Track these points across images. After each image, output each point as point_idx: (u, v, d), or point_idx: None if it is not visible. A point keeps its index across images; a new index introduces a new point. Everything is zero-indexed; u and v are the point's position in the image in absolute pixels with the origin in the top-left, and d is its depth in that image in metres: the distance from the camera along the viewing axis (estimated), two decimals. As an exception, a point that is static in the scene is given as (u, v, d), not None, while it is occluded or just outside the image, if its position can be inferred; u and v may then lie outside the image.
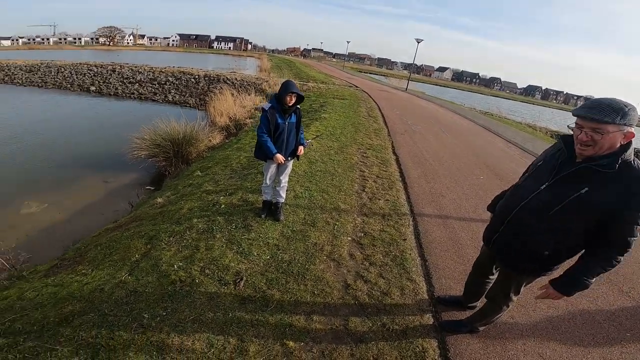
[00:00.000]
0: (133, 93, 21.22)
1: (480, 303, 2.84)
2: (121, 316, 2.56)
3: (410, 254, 3.77)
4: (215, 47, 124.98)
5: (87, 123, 14.14)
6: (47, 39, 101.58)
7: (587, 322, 3.04)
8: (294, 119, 3.63)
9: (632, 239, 1.67)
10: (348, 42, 67.29)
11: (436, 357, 2.50)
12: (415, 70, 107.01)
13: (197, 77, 24.22)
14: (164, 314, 2.60)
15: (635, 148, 1.69)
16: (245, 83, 21.92)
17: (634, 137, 1.62)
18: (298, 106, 3.62)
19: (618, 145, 1.61)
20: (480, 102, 39.55)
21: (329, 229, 4.09)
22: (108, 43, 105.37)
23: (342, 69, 56.38)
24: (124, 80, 23.41)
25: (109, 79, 23.69)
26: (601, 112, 1.55)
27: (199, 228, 3.87)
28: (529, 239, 1.94)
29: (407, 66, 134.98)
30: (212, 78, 23.86)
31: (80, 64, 27.38)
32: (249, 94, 16.55)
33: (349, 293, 3.05)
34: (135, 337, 2.36)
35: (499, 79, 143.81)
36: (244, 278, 3.06)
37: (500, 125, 16.38)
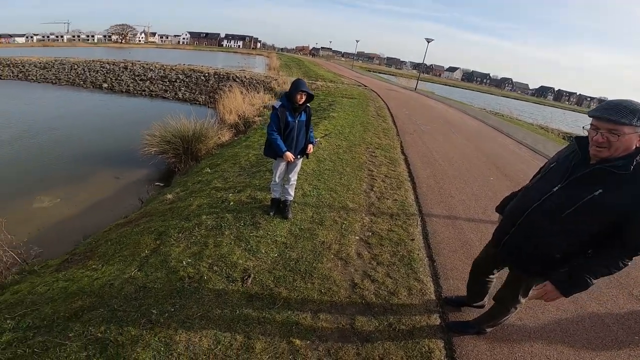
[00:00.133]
0: (144, 90, 21.44)
1: (487, 301, 2.82)
2: (130, 312, 2.60)
3: (418, 254, 3.75)
4: (224, 45, 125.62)
5: (100, 120, 14.33)
6: (61, 37, 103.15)
7: (595, 325, 3.00)
8: (304, 117, 3.64)
9: None
10: (357, 41, 67.01)
11: (442, 358, 2.49)
12: (425, 70, 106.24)
13: (207, 74, 24.37)
14: (172, 310, 2.62)
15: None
16: (254, 81, 21.97)
17: None
18: (308, 105, 3.63)
19: (634, 147, 1.58)
20: (490, 102, 39.14)
21: (336, 227, 4.08)
22: (120, 41, 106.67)
23: (351, 68, 56.25)
24: (136, 78, 23.65)
25: (121, 76, 23.96)
26: (618, 113, 1.53)
27: (208, 225, 3.90)
28: (540, 242, 1.91)
29: (416, 66, 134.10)
30: (221, 76, 23.98)
31: (93, 61, 27.74)
32: (258, 92, 16.59)
33: (356, 292, 3.04)
34: (144, 333, 2.39)
35: (510, 79, 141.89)
36: (252, 275, 3.07)
37: (511, 126, 16.19)
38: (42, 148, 10.33)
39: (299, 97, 3.43)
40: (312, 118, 3.78)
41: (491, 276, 2.56)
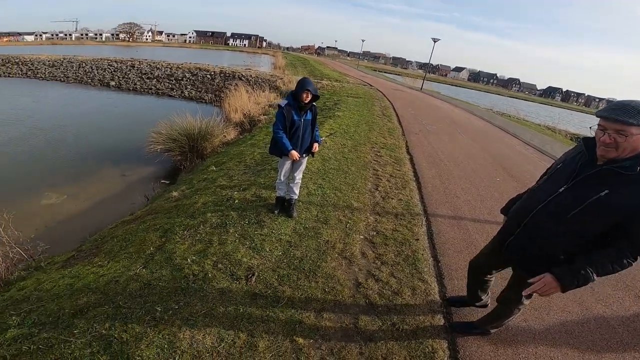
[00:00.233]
0: (151, 88, 21.60)
1: (489, 300, 2.80)
2: (135, 309, 2.61)
3: (422, 254, 3.74)
4: (230, 44, 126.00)
5: (107, 117, 14.45)
6: (70, 35, 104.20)
7: (601, 327, 2.97)
8: (309, 116, 3.64)
9: None
10: (363, 41, 66.70)
11: (446, 358, 2.48)
12: (431, 70, 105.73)
13: (212, 73, 24.45)
14: (177, 307, 2.63)
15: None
16: (260, 80, 22.00)
17: None
18: (314, 103, 3.63)
19: None
20: (497, 103, 38.84)
21: (341, 226, 4.08)
22: (128, 39, 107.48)
23: (357, 67, 56.14)
24: (143, 76, 23.82)
25: (128, 74, 24.14)
26: (626, 114, 1.52)
27: (213, 222, 3.91)
28: (545, 242, 1.90)
29: (422, 65, 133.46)
30: (227, 74, 24.05)
31: (101, 59, 27.95)
32: (263, 91, 16.63)
33: (360, 291, 3.04)
34: (148, 330, 2.40)
35: (518, 79, 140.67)
36: (256, 274, 3.08)
37: (518, 126, 16.07)
38: (50, 145, 10.44)
39: (305, 95, 3.44)
40: (317, 117, 3.79)
41: (489, 276, 2.55)
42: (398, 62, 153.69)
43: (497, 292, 2.48)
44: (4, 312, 2.76)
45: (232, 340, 2.39)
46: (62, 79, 23.02)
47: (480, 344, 2.61)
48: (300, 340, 2.46)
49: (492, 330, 2.65)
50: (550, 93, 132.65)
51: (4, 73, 23.83)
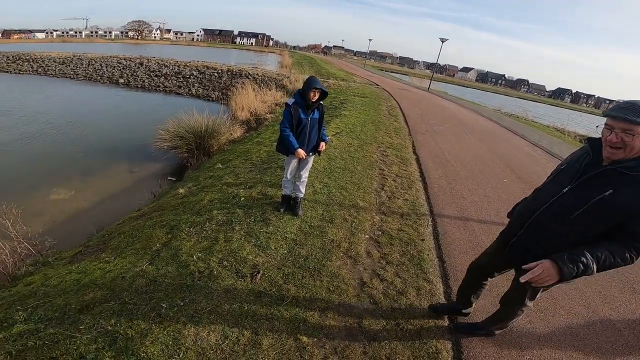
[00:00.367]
0: (159, 86, 21.75)
1: (473, 309, 2.79)
2: (140, 305, 2.62)
3: (428, 255, 3.72)
4: (238, 43, 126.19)
5: (115, 114, 14.59)
6: (80, 32, 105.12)
7: (606, 330, 2.94)
8: (316, 114, 3.64)
9: None
10: (370, 40, 66.43)
11: (449, 359, 2.47)
12: (439, 70, 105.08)
13: (220, 71, 24.56)
14: (182, 304, 2.65)
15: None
16: (267, 78, 22.05)
17: None
18: (321, 102, 3.63)
19: None
20: (505, 103, 38.46)
21: (346, 226, 4.07)
22: (137, 37, 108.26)
23: (363, 67, 56.00)
24: (151, 74, 24.00)
25: (137, 72, 24.34)
26: (634, 113, 1.51)
27: (219, 220, 3.93)
28: (548, 243, 1.87)
29: (429, 65, 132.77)
30: (234, 73, 24.15)
31: (110, 57, 28.22)
32: (270, 90, 16.67)
33: (365, 291, 3.03)
34: (153, 327, 2.41)
35: (527, 80, 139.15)
36: (261, 271, 3.09)
37: (526, 127, 15.91)
38: (60, 141, 10.57)
39: (312, 94, 3.44)
40: (324, 116, 3.78)
41: (489, 278, 2.53)
42: (405, 61, 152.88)
43: (500, 294, 2.46)
44: (10, 307, 2.79)
45: (236, 338, 2.39)
46: (72, 76, 23.27)
47: (484, 345, 2.60)
48: (304, 338, 2.46)
49: (496, 332, 2.63)
50: (559, 94, 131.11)
51: (15, 70, 24.15)
